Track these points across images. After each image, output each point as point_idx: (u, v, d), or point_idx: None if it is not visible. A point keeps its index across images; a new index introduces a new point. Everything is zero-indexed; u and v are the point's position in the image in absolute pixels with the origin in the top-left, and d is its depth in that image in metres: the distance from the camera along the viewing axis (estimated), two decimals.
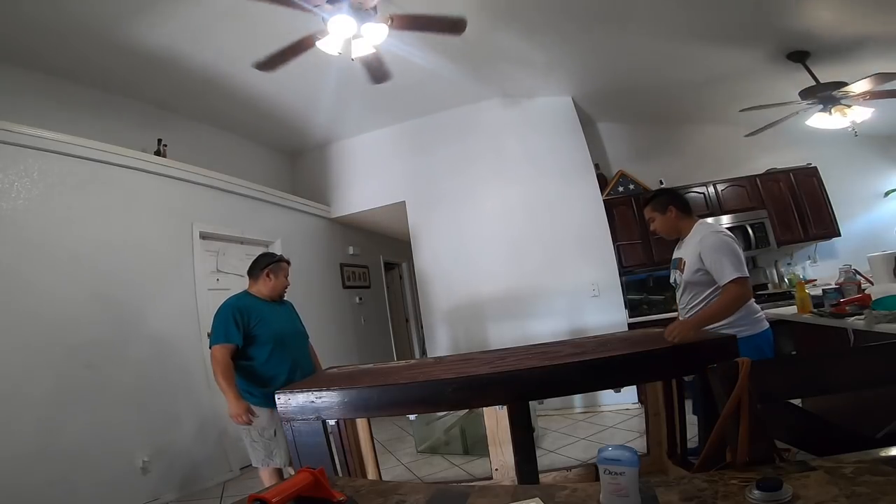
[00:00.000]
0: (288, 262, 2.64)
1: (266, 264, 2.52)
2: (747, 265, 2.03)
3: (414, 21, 2.47)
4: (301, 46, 2.55)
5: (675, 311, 2.45)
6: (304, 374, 2.47)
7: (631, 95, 4.54)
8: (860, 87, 3.12)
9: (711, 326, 1.92)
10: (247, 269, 2.60)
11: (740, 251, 2.04)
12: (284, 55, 2.62)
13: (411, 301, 7.13)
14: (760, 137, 4.04)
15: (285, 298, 2.66)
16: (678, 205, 2.25)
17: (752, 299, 2.15)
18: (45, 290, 2.68)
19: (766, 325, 2.12)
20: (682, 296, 2.25)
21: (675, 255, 2.31)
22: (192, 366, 3.35)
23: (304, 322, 2.70)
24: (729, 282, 1.93)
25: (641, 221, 4.60)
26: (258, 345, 2.32)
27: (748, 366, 1.12)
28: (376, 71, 2.86)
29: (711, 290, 2.05)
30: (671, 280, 2.35)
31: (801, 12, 3.04)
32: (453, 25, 2.50)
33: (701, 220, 2.26)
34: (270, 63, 2.68)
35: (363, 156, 5.23)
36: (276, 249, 4.43)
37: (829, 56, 3.45)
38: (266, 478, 2.34)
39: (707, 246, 2.04)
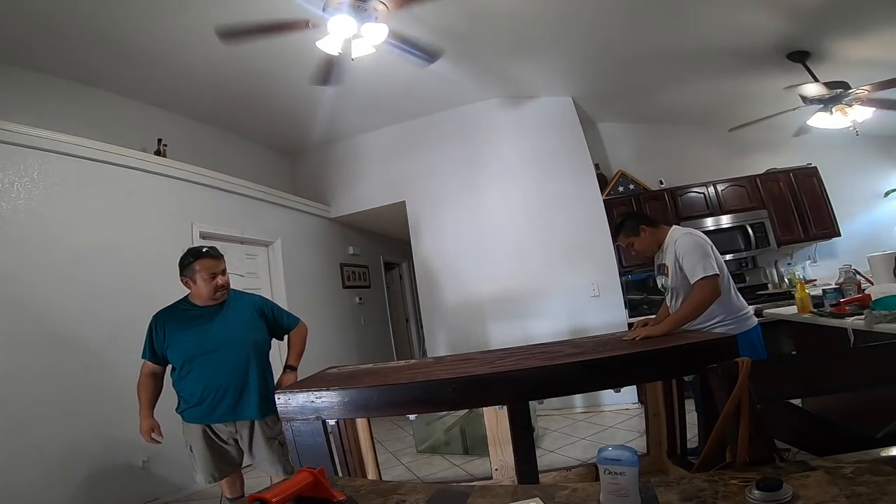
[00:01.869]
0: (207, 257, 2.09)
1: (181, 270, 2.11)
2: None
3: None
4: (285, 27, 2.42)
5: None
6: (239, 384, 2.08)
7: (631, 95, 4.54)
8: (862, 93, 3.13)
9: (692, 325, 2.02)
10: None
11: (710, 250, 2.13)
12: (261, 31, 2.43)
13: (411, 301, 7.13)
14: (761, 138, 4.05)
15: (250, 293, 2.38)
16: (646, 222, 2.36)
17: (740, 298, 2.25)
18: (45, 290, 2.68)
19: (755, 321, 2.21)
20: (672, 299, 2.33)
21: (658, 261, 2.40)
22: None
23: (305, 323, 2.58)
24: (698, 280, 2.03)
25: None
26: (172, 362, 2.12)
27: (748, 366, 1.12)
28: (423, 51, 2.73)
29: None
30: (659, 285, 2.43)
31: (802, 13, 3.05)
32: None
33: (674, 227, 2.35)
34: (236, 34, 2.44)
35: (363, 156, 5.22)
36: (276, 249, 4.44)
37: (829, 56, 3.45)
38: (223, 487, 2.24)
39: (679, 248, 2.15)
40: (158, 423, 2.11)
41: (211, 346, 2.07)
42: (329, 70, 2.73)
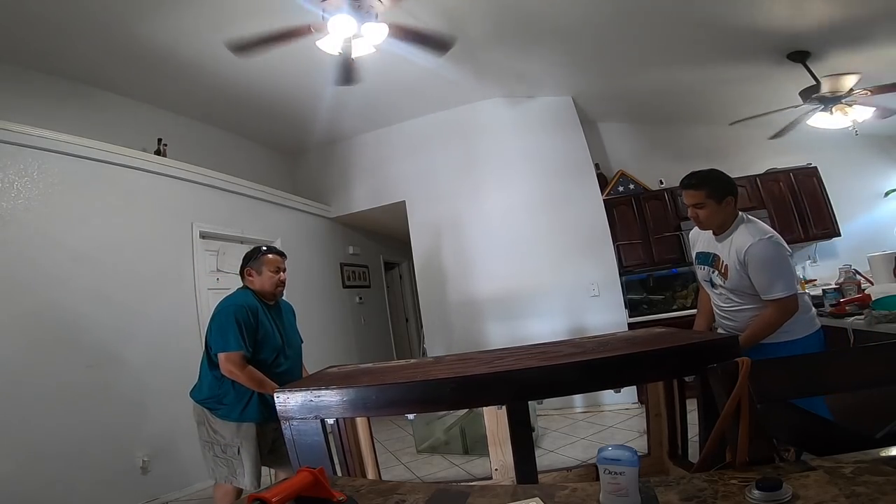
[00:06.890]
0: (275, 253, 2.23)
1: (246, 262, 2.22)
2: None
3: None
4: (290, 35, 2.47)
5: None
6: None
7: (631, 95, 4.54)
8: (851, 81, 3.12)
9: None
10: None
11: (792, 261, 1.82)
12: (269, 41, 2.50)
13: (411, 301, 7.13)
14: (760, 137, 4.05)
15: (284, 298, 2.35)
16: (736, 195, 1.91)
17: (809, 298, 1.99)
18: (46, 289, 2.68)
19: (819, 324, 1.95)
20: (722, 302, 1.97)
21: (707, 248, 2.00)
22: (192, 365, 3.33)
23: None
24: (777, 299, 1.74)
25: (642, 221, 4.62)
26: (263, 353, 2.07)
27: (748, 366, 1.11)
28: (431, 41, 2.64)
29: (760, 303, 1.82)
30: (703, 276, 2.02)
31: (801, 12, 3.05)
32: None
33: (742, 214, 1.95)
34: (247, 47, 2.52)
35: (363, 155, 5.23)
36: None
37: (829, 56, 3.45)
38: (220, 494, 2.07)
39: (755, 256, 1.77)
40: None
41: (284, 342, 2.19)
42: (349, 70, 2.72)
